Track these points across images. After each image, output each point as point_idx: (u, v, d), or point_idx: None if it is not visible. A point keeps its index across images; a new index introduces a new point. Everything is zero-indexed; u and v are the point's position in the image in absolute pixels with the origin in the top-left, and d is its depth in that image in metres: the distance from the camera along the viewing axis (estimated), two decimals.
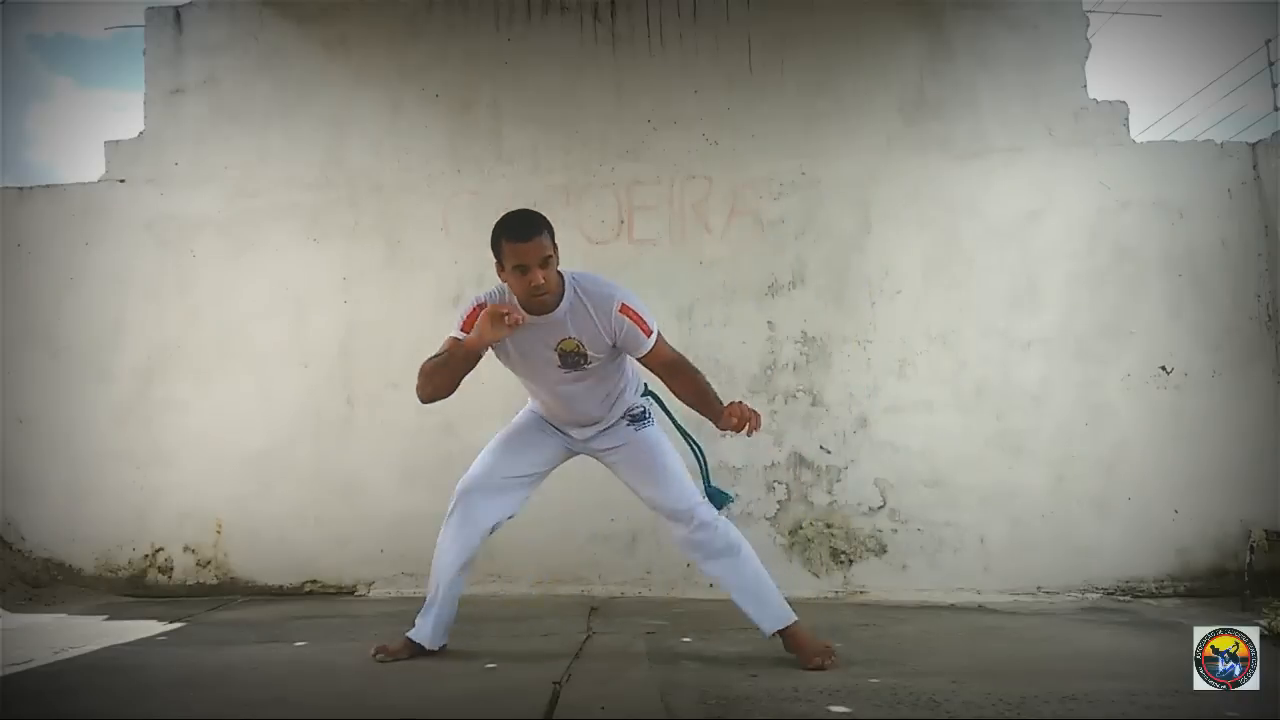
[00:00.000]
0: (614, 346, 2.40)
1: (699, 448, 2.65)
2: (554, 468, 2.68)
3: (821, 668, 2.31)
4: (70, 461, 4.08)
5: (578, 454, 2.66)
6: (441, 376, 2.41)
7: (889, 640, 2.76)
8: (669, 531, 2.60)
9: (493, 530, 2.60)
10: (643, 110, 4.10)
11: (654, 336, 2.39)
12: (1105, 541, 3.67)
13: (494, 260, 2.36)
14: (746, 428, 2.31)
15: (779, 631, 2.43)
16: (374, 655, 2.48)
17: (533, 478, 2.64)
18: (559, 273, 2.35)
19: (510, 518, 2.61)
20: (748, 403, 3.50)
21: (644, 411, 2.59)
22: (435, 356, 2.41)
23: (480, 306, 2.37)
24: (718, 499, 2.54)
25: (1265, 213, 3.77)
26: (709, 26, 4.14)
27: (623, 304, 2.35)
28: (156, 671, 2.42)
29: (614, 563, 3.81)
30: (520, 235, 2.27)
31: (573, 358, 2.39)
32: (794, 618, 2.43)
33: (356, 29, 4.28)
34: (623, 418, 2.57)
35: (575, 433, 2.59)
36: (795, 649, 2.41)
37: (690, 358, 3.84)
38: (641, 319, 2.37)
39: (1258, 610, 2.96)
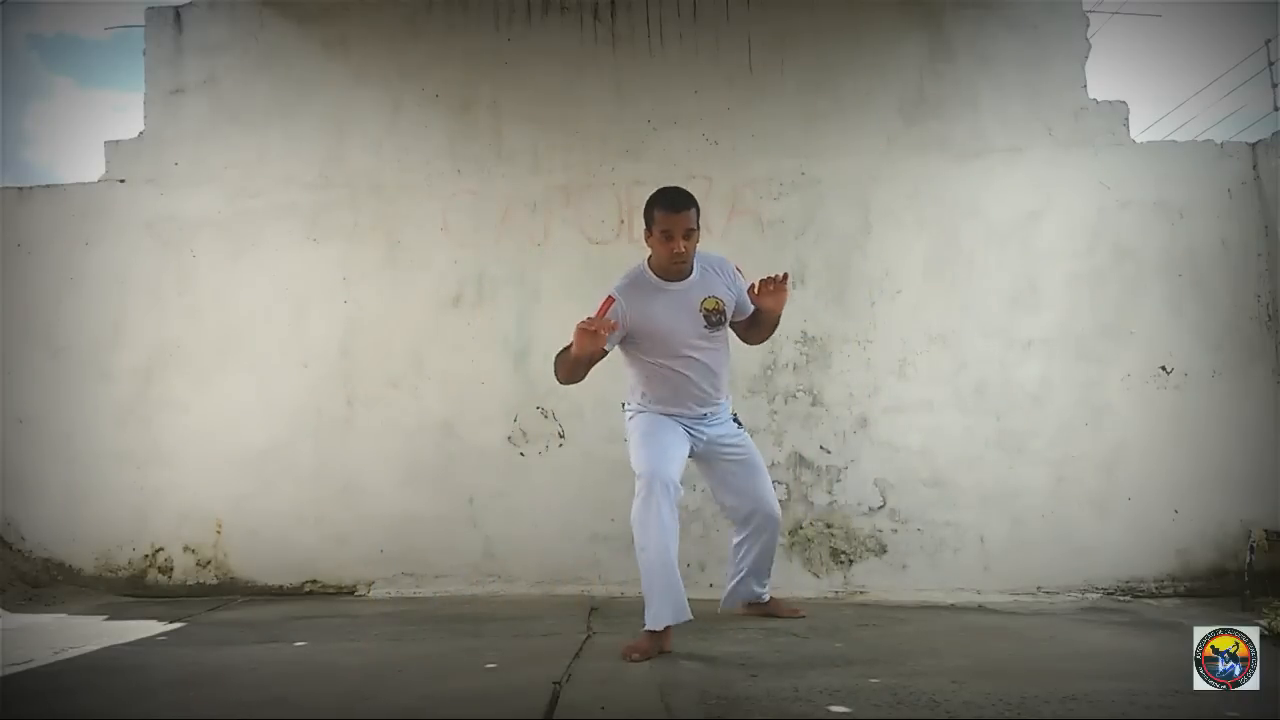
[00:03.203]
0: (733, 308, 2.78)
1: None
2: (684, 462, 2.79)
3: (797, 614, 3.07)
4: (70, 461, 4.08)
5: (698, 452, 2.84)
6: (564, 371, 2.69)
7: (889, 640, 2.76)
8: (747, 526, 2.94)
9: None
10: (643, 110, 4.10)
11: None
12: (1105, 541, 3.67)
13: (643, 228, 2.70)
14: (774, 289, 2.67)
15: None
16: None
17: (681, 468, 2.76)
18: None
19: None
20: (748, 403, 3.53)
21: (737, 416, 2.98)
22: (564, 349, 2.61)
23: (611, 300, 2.67)
24: None
25: (1265, 213, 3.77)
26: (709, 26, 4.14)
27: (735, 265, 2.82)
28: (156, 671, 2.42)
29: (614, 563, 3.80)
30: (672, 207, 2.61)
31: (715, 316, 2.71)
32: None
33: (356, 29, 4.28)
34: (732, 418, 2.93)
35: (693, 420, 2.78)
36: (772, 612, 3.10)
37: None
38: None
39: (1258, 610, 2.96)
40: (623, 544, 3.83)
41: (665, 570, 2.51)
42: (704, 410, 2.81)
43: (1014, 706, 1.90)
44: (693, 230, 2.61)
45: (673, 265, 2.64)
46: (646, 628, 2.52)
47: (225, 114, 4.26)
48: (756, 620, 3.06)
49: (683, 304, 2.68)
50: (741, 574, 3.02)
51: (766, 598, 3.10)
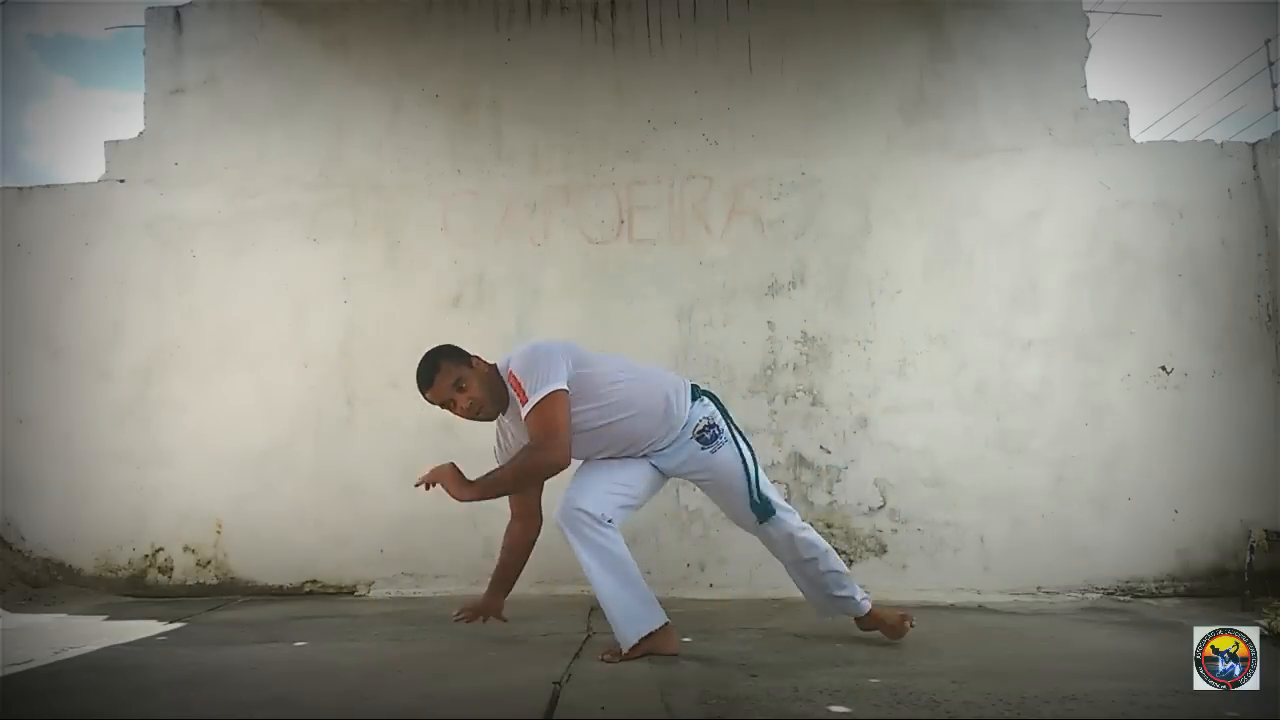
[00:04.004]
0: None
1: (748, 452, 2.56)
2: (652, 492, 2.62)
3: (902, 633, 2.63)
4: (70, 461, 4.09)
5: (669, 474, 2.62)
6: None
7: (889, 640, 2.76)
8: (763, 541, 2.61)
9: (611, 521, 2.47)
10: (643, 110, 4.10)
11: (528, 405, 2.37)
12: (1105, 541, 3.67)
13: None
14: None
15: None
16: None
17: (631, 496, 2.53)
18: (491, 366, 2.53)
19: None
20: (748, 403, 3.46)
21: (711, 428, 2.53)
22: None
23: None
24: (760, 509, 2.51)
25: (1265, 213, 3.77)
26: (709, 26, 4.14)
27: (510, 370, 2.45)
28: (156, 671, 2.42)
29: None
30: (423, 388, 2.51)
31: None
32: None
33: (356, 29, 4.28)
34: (692, 438, 2.53)
35: (643, 455, 2.56)
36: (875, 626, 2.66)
37: (690, 358, 3.92)
38: (519, 384, 2.40)
39: (1258, 610, 2.96)
40: None
41: (609, 597, 2.44)
42: (643, 450, 2.54)
43: (1014, 706, 1.90)
44: (458, 383, 2.45)
45: (476, 418, 2.52)
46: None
47: (225, 114, 4.27)
48: (756, 620, 3.06)
49: (517, 430, 2.55)
50: (808, 591, 2.68)
51: (865, 606, 2.63)
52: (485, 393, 2.48)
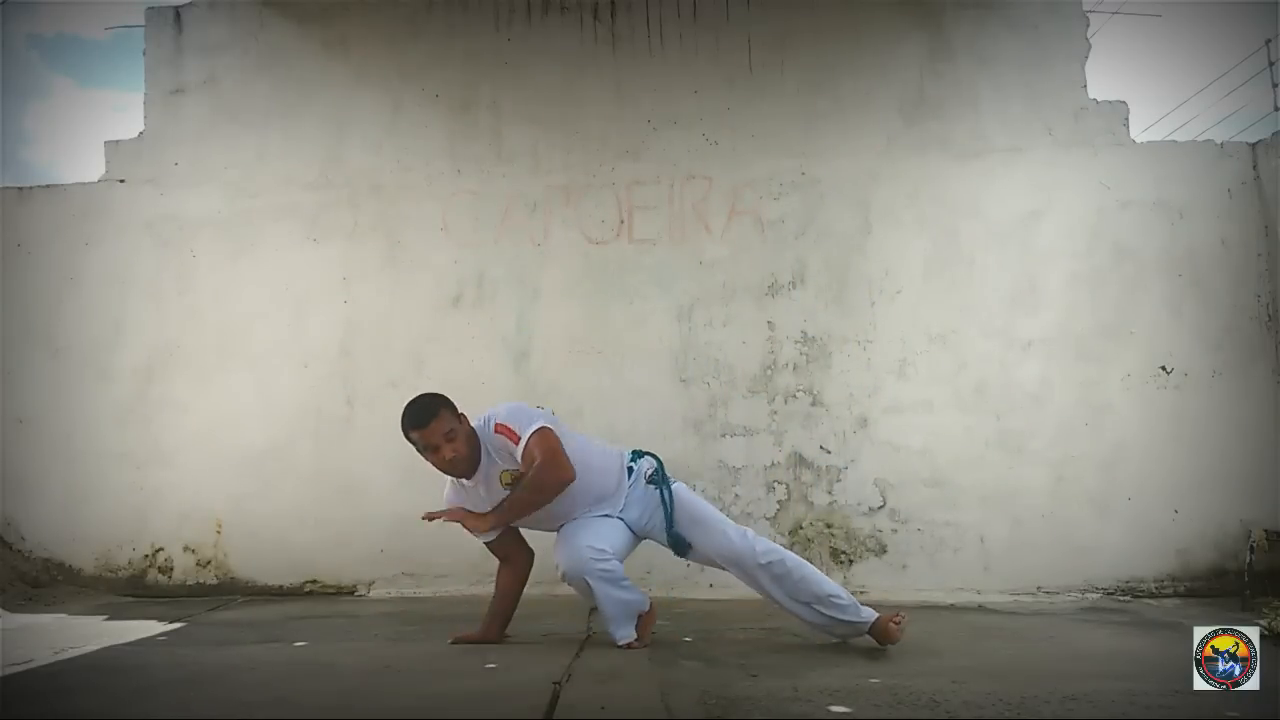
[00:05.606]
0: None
1: (669, 501, 2.68)
2: (628, 548, 2.74)
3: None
4: (70, 461, 4.09)
5: (640, 538, 2.76)
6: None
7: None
8: (740, 576, 2.70)
9: None
10: (643, 110, 4.10)
11: (522, 442, 2.50)
12: (1105, 541, 3.67)
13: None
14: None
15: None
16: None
17: (612, 546, 2.64)
18: (472, 429, 2.57)
19: None
20: (748, 403, 3.45)
21: (657, 472, 2.71)
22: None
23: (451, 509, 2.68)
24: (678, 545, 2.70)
25: (1265, 213, 3.77)
26: (709, 26, 4.14)
27: (496, 423, 2.55)
28: (156, 671, 2.42)
29: None
30: (418, 423, 2.50)
31: (520, 482, 2.54)
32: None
33: (356, 29, 4.28)
34: (649, 481, 2.70)
35: (599, 513, 2.69)
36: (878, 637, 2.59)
37: (690, 358, 3.92)
38: (509, 429, 2.52)
39: (1258, 610, 2.96)
40: None
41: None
42: (593, 510, 2.67)
43: (1014, 706, 1.90)
44: (452, 429, 2.49)
45: (452, 472, 2.57)
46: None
47: (225, 114, 4.27)
48: (756, 620, 3.06)
49: (487, 493, 2.61)
50: (792, 612, 2.71)
51: (864, 622, 2.61)
52: (468, 449, 2.54)
